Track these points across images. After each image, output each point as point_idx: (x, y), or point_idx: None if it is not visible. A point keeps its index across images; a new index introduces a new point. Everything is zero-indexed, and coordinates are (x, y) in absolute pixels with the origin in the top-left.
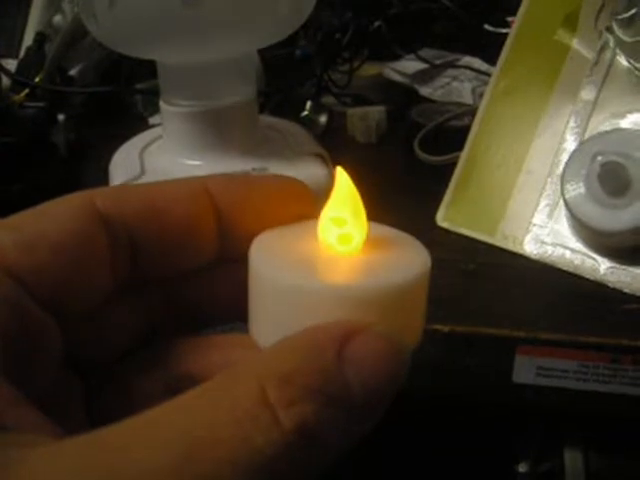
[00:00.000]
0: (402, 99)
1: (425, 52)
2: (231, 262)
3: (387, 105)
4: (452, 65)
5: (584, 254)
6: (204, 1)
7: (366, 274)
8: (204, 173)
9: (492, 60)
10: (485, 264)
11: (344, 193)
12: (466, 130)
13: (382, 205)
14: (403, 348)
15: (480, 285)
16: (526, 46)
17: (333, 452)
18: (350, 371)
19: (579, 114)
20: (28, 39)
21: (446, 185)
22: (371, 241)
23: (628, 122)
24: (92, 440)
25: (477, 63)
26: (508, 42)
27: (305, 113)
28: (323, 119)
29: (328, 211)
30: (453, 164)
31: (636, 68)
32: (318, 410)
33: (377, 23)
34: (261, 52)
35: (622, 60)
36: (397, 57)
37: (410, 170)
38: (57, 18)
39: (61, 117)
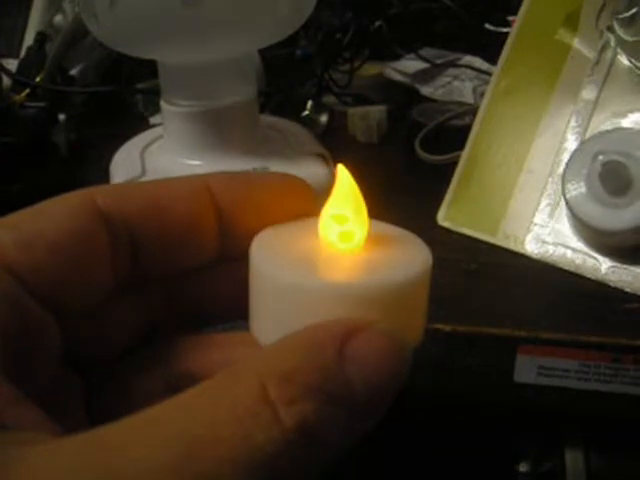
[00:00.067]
0: (403, 99)
1: (426, 51)
2: (232, 260)
3: (388, 105)
4: (453, 64)
5: (585, 253)
6: (204, 1)
7: (367, 272)
8: (205, 173)
9: (493, 59)
10: (486, 264)
11: (345, 190)
12: (467, 129)
13: (383, 205)
14: (405, 346)
15: (481, 285)
16: (527, 45)
17: (334, 450)
18: (352, 369)
19: (580, 113)
20: (29, 39)
21: (447, 184)
22: (372, 238)
23: (629, 121)
24: (91, 438)
25: (478, 62)
26: (509, 41)
27: (306, 113)
28: (324, 119)
29: (329, 208)
30: (454, 163)
31: (637, 67)
32: (319, 408)
33: (378, 23)
34: (261, 52)
35: (623, 59)
36: (398, 57)
37: (411, 169)
38: (58, 18)
39: (62, 117)
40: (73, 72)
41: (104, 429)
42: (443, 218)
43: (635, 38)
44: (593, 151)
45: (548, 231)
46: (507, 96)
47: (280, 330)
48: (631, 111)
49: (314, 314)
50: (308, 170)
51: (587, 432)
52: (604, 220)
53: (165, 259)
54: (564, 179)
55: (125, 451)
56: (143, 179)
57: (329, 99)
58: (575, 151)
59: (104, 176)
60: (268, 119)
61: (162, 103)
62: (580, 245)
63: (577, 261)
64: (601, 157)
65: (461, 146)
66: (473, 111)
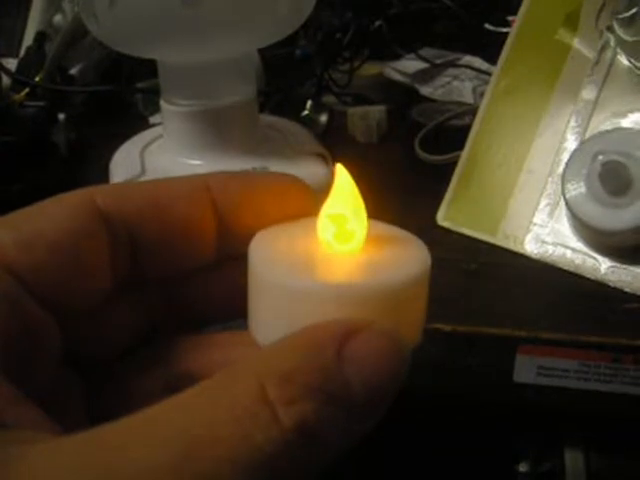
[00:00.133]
0: (403, 98)
1: (426, 51)
2: (231, 260)
3: (388, 104)
4: (453, 64)
5: (585, 253)
6: (204, 1)
7: (366, 272)
8: (204, 172)
9: (493, 59)
10: (486, 264)
11: (344, 190)
12: (467, 129)
13: (383, 205)
14: (404, 346)
15: (481, 285)
16: (527, 45)
17: (333, 450)
18: (351, 369)
19: (580, 113)
20: (28, 38)
21: (447, 184)
22: (371, 239)
23: (629, 121)
24: (91, 438)
25: (478, 62)
26: (509, 41)
27: (305, 112)
28: (323, 118)
29: (328, 208)
30: (454, 163)
31: (637, 67)
32: (318, 408)
33: (377, 23)
34: (261, 52)
35: (623, 59)
36: (397, 56)
37: (411, 169)
38: (57, 17)
39: (61, 116)
40: (73, 71)
41: (104, 429)
42: (443, 218)
43: (635, 38)
44: (593, 151)
45: (548, 231)
46: (507, 96)
47: (279, 330)
48: (631, 111)
49: (313, 314)
50: (308, 170)
51: (587, 432)
52: (604, 220)
53: (165, 259)
54: (564, 179)
55: (124, 451)
56: (143, 178)
57: (329, 99)
58: (575, 151)
59: (104, 175)
60: (268, 119)
61: (162, 102)
62: (580, 245)
63: (577, 261)
64: (601, 157)
65: (461, 146)
66: (473, 111)
